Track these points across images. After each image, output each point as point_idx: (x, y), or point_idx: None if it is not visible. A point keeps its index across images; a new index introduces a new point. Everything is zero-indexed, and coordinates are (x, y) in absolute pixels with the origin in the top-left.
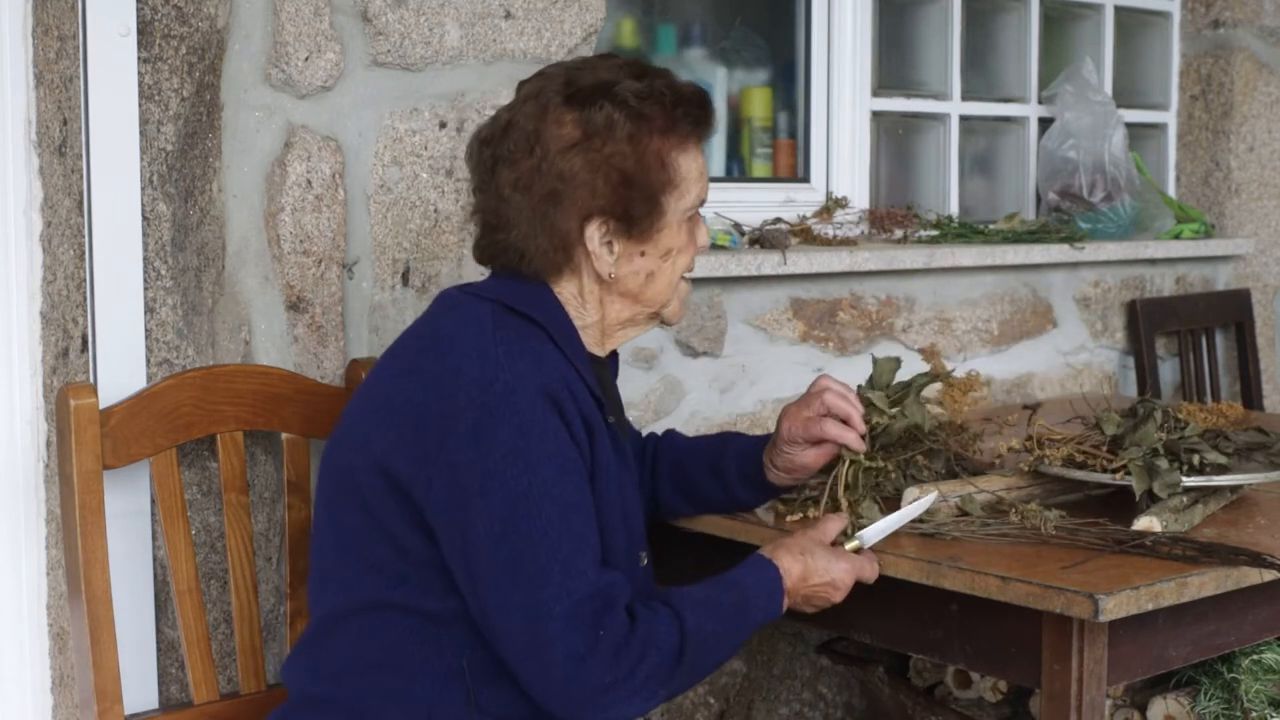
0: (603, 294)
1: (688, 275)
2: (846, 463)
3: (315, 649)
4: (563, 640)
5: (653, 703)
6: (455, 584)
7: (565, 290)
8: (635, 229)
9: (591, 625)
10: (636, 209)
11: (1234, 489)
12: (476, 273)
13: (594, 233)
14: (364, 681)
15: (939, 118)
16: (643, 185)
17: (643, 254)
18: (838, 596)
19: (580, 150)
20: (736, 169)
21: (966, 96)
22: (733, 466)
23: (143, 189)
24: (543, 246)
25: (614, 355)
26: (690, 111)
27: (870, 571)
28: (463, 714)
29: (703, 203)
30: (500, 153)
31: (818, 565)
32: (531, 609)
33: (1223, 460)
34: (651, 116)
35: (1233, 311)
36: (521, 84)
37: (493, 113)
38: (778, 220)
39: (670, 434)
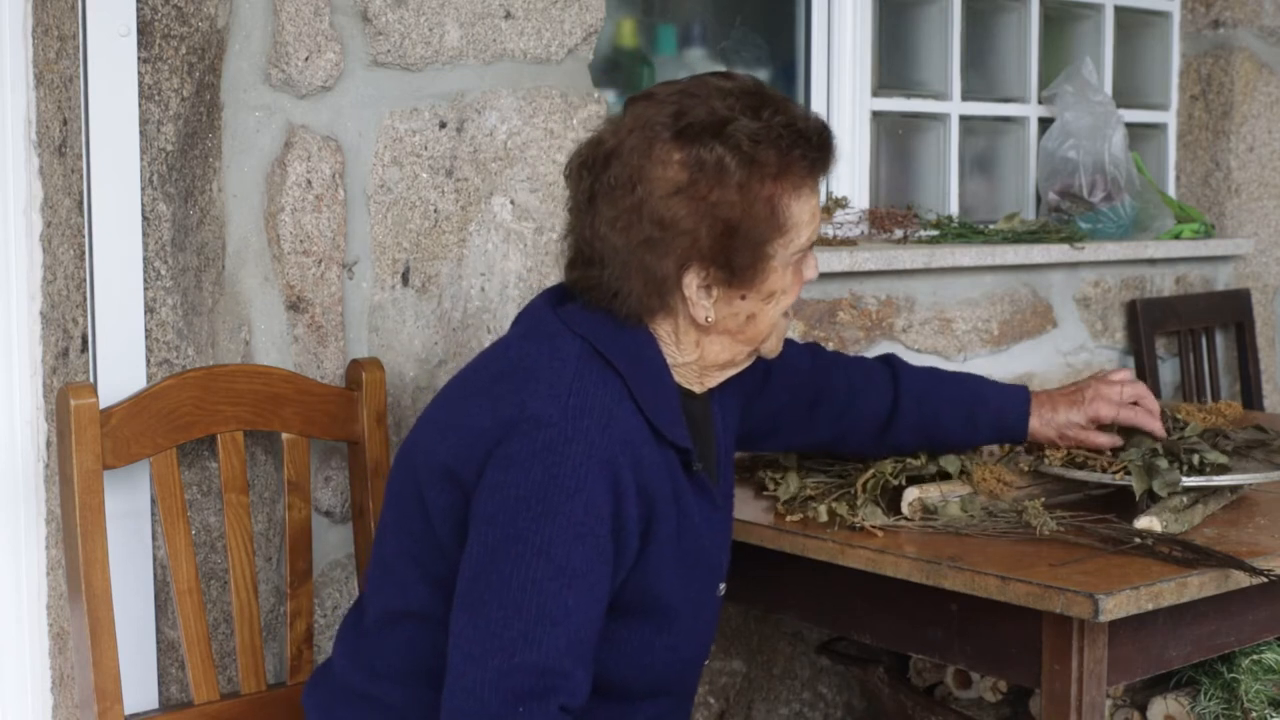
0: (699, 335)
1: (789, 313)
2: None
3: (371, 643)
4: (479, 695)
5: None
6: None
7: (660, 329)
8: (737, 278)
9: (514, 699)
10: (740, 259)
11: (1234, 489)
12: (476, 272)
13: (692, 280)
14: (414, 689)
15: (939, 118)
16: (748, 235)
17: (743, 297)
18: None
19: (685, 196)
20: None
21: (966, 96)
22: (988, 419)
23: (143, 189)
24: (637, 290)
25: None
26: (808, 154)
27: None
28: None
29: (813, 243)
30: (599, 185)
31: None
32: (471, 650)
33: (1223, 460)
34: (765, 162)
35: (1233, 311)
36: (630, 102)
37: (493, 112)
38: None
39: (903, 371)
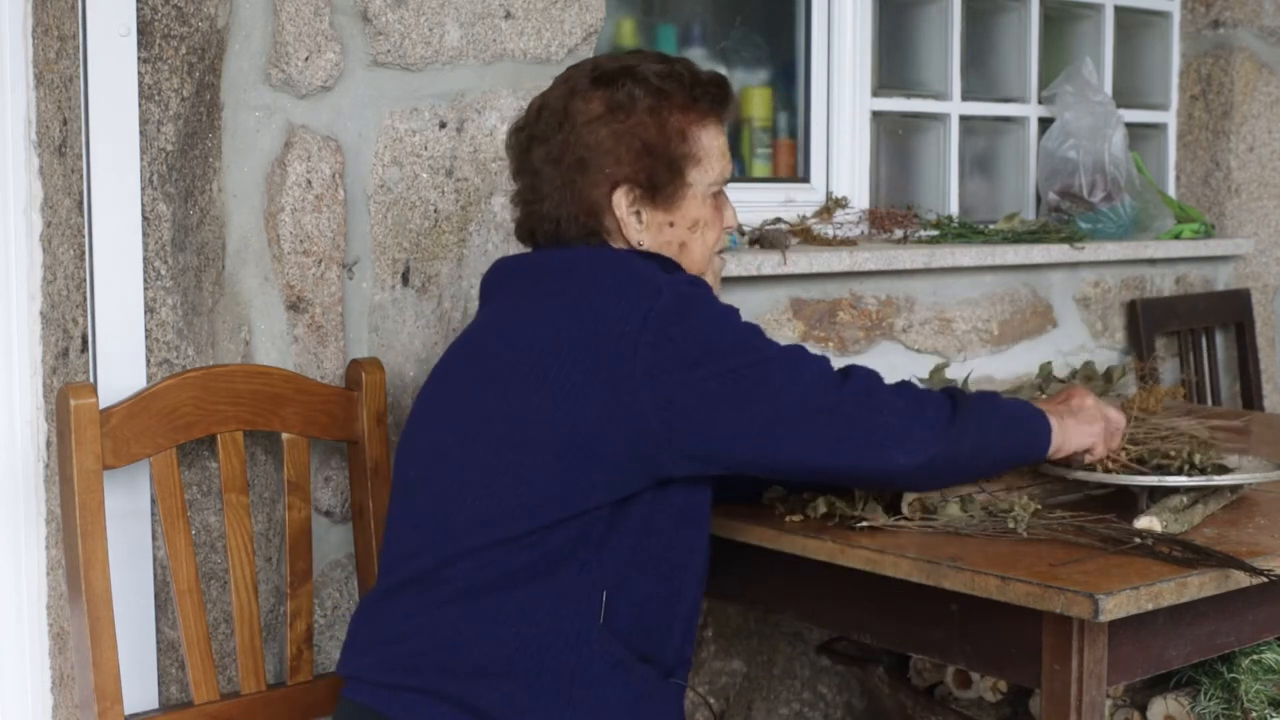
0: None
1: (721, 253)
2: None
3: (412, 593)
4: (851, 387)
5: (944, 436)
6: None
7: None
8: (660, 196)
9: (864, 373)
10: (660, 177)
11: (1234, 489)
12: (476, 273)
13: (621, 199)
14: (478, 600)
15: (939, 118)
16: (664, 154)
17: (671, 224)
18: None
19: (605, 122)
20: (736, 169)
21: (966, 96)
22: None
23: (143, 189)
24: (573, 212)
25: None
26: (709, 91)
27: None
28: (593, 629)
29: (727, 181)
30: (534, 132)
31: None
32: (811, 394)
33: (1222, 460)
34: (671, 93)
35: (1233, 311)
36: (556, 76)
37: (493, 112)
38: (778, 220)
39: None
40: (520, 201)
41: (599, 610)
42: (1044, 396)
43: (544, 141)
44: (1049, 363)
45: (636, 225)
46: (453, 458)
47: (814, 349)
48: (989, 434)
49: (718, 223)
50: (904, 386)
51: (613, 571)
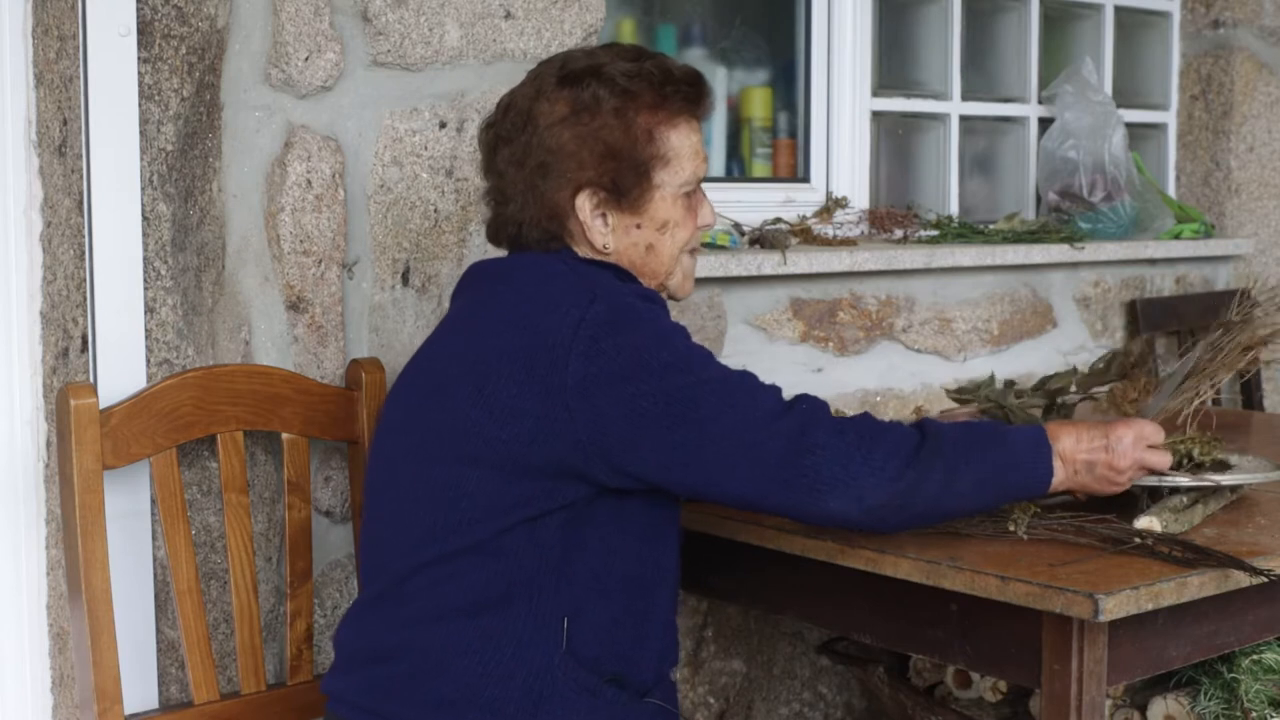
0: None
1: (694, 251)
2: None
3: (384, 606)
4: (788, 422)
5: (893, 482)
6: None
7: None
8: (625, 200)
9: (805, 408)
10: (625, 181)
11: (1234, 489)
12: None
13: (584, 203)
14: (453, 622)
15: (939, 118)
16: (629, 158)
17: (638, 226)
18: (1121, 463)
19: (568, 125)
20: (736, 169)
21: (966, 96)
22: None
23: (143, 189)
24: (536, 216)
25: None
26: (680, 89)
27: (1153, 431)
28: (555, 655)
29: (700, 180)
30: (500, 132)
31: (1090, 429)
32: (741, 425)
33: (1222, 458)
34: (638, 93)
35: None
36: (529, 71)
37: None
38: (778, 220)
39: None
40: (489, 202)
41: (561, 637)
42: (1098, 418)
43: (509, 143)
44: (1074, 369)
45: (602, 228)
46: (405, 470)
47: (814, 349)
48: (959, 480)
49: (690, 222)
50: (856, 423)
51: (575, 596)
